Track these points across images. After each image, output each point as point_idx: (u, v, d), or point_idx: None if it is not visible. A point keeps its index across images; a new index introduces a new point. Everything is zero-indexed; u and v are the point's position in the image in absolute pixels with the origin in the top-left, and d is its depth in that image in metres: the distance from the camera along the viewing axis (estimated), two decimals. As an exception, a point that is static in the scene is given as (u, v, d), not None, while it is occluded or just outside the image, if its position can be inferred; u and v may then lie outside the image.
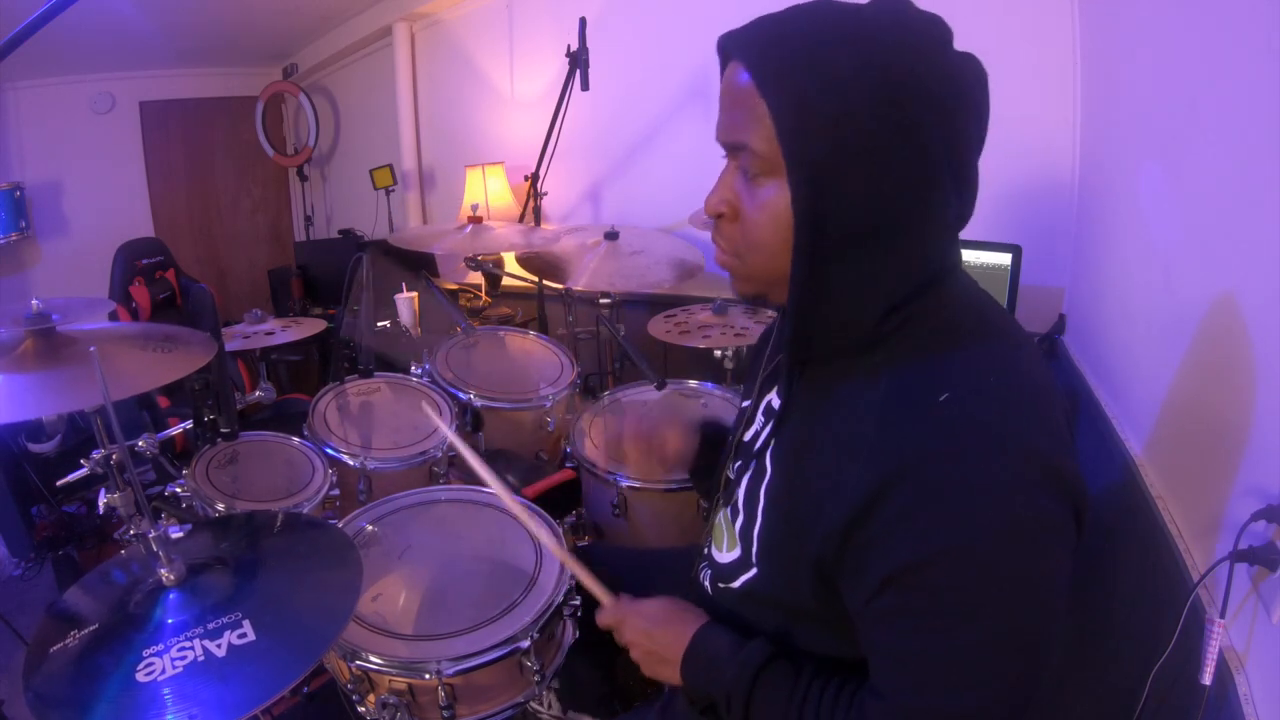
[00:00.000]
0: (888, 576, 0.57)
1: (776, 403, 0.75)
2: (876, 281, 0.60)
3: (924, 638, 0.58)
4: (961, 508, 0.55)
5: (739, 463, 0.79)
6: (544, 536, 0.98)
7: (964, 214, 0.62)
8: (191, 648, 0.81)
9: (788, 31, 0.57)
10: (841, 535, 0.60)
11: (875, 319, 0.61)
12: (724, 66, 0.62)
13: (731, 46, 0.60)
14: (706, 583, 0.82)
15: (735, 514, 0.77)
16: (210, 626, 0.84)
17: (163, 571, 0.88)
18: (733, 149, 0.62)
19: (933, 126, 0.55)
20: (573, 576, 0.96)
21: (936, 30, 0.57)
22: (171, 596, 0.88)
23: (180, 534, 1.03)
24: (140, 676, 0.78)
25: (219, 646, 0.81)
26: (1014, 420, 0.57)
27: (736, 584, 0.75)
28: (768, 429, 0.75)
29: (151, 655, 0.80)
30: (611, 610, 0.83)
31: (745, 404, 0.84)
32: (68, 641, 0.85)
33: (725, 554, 0.78)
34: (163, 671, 0.79)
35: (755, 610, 0.74)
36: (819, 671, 0.68)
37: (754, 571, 0.72)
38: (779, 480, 0.71)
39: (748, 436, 0.80)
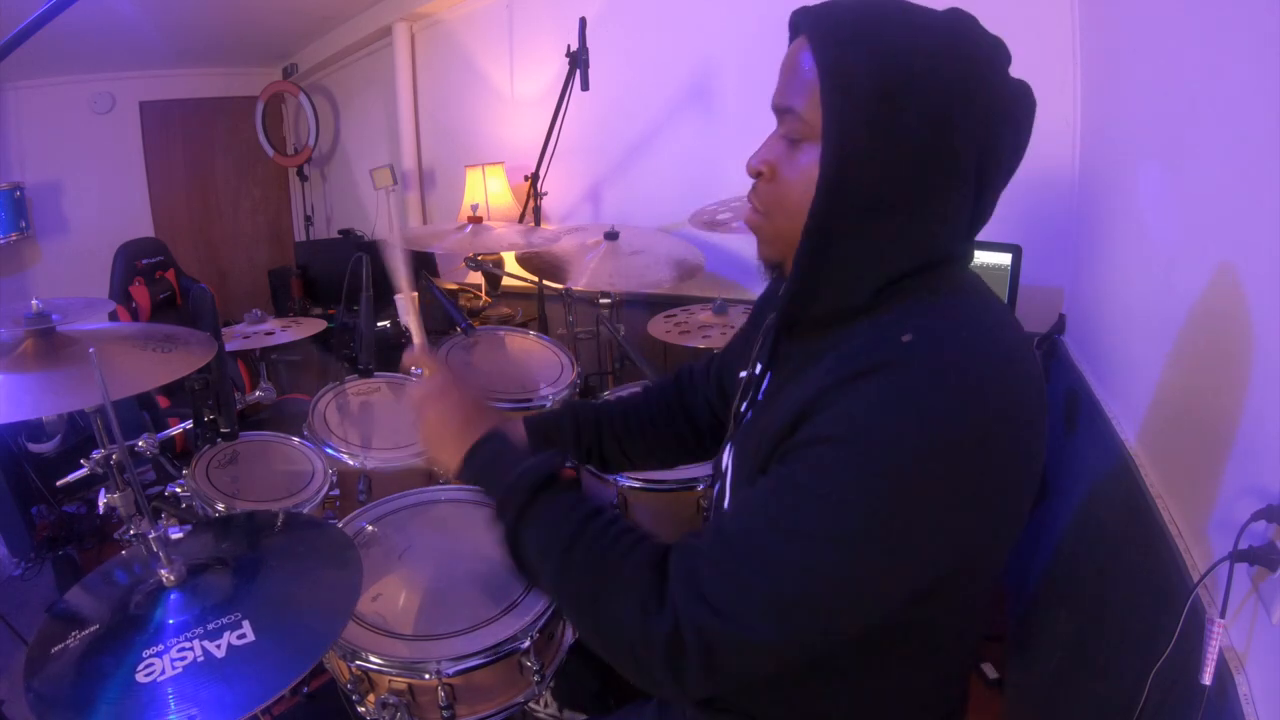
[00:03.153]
0: (790, 445, 0.58)
1: (768, 376, 0.76)
2: (879, 257, 0.61)
3: (775, 504, 0.58)
4: (886, 410, 0.55)
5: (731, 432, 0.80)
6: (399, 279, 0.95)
7: (979, 218, 0.64)
8: (191, 648, 0.81)
9: (854, 11, 0.60)
10: (776, 440, 0.61)
11: (870, 291, 0.62)
12: (792, 39, 0.65)
13: (799, 18, 0.63)
14: None
15: (721, 481, 0.77)
16: (210, 627, 0.84)
17: (163, 572, 0.88)
18: (781, 113, 0.64)
19: (970, 132, 0.57)
20: None
21: (996, 50, 0.60)
22: (172, 597, 0.88)
23: (180, 534, 1.03)
24: (140, 677, 0.78)
25: (219, 647, 0.81)
26: (974, 371, 0.57)
27: None
28: (750, 398, 0.76)
29: (152, 656, 0.81)
30: (425, 358, 0.84)
31: (742, 375, 0.83)
32: (69, 642, 0.85)
33: None
34: (163, 672, 0.79)
35: None
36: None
37: None
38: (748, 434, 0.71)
39: (743, 407, 0.80)
